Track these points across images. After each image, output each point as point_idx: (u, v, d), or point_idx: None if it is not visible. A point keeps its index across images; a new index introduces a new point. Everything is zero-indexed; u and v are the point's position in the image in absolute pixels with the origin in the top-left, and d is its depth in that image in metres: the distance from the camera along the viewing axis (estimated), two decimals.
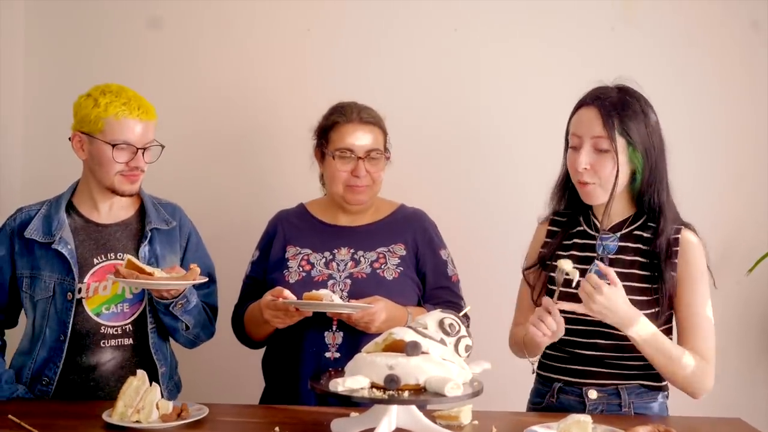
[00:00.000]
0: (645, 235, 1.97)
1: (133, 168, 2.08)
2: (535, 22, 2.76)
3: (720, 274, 2.69)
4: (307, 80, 2.80)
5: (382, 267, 2.17)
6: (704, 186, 2.68)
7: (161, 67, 2.82)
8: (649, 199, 1.95)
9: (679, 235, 1.94)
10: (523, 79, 2.75)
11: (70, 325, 2.06)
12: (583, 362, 1.96)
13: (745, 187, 2.74)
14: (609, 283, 1.81)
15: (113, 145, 2.05)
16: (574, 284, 1.84)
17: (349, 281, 2.14)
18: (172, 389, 2.21)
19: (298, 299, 2.00)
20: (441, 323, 1.75)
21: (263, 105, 2.83)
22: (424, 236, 2.26)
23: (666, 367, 1.88)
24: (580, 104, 1.96)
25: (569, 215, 2.07)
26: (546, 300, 1.86)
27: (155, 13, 2.83)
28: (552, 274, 1.92)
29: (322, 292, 1.98)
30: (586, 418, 1.66)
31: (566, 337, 1.91)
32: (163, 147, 2.14)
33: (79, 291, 2.07)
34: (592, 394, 1.93)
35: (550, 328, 1.82)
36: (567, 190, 2.04)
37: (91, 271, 2.10)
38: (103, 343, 2.09)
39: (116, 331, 2.10)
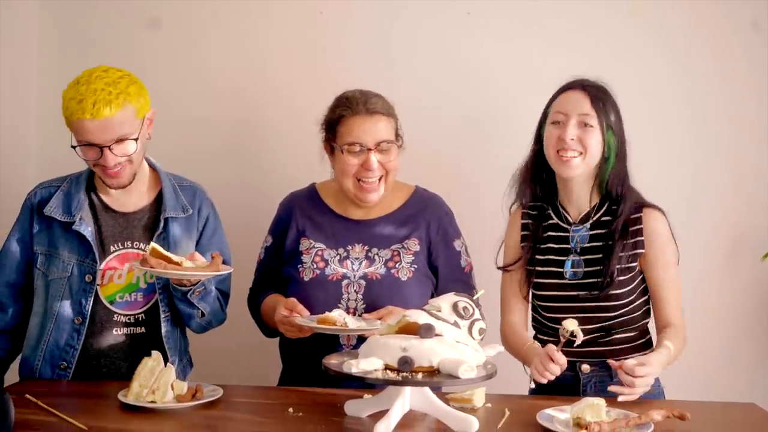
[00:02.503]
0: (612, 219, 2.09)
1: (104, 166, 2.00)
2: (549, 5, 2.74)
3: (734, 260, 2.70)
4: (320, 64, 2.79)
5: (397, 266, 2.17)
6: (716, 175, 2.69)
7: (173, 51, 2.82)
8: (615, 185, 2.09)
9: (641, 213, 2.08)
10: (537, 62, 2.73)
11: (89, 308, 2.06)
12: (581, 345, 1.96)
13: (750, 179, 2.73)
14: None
15: (74, 146, 2.00)
16: (577, 343, 1.88)
17: (363, 282, 2.14)
18: (186, 366, 2.22)
19: (310, 301, 2.03)
20: (455, 306, 1.75)
21: (275, 89, 2.82)
22: (438, 228, 2.25)
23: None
24: (566, 88, 2.12)
25: (538, 207, 2.19)
26: (550, 348, 1.90)
27: None
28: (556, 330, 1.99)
29: (335, 313, 1.97)
30: (599, 402, 1.66)
31: (556, 325, 1.97)
32: (136, 140, 2.01)
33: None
34: (585, 368, 2.05)
35: (554, 373, 1.89)
36: (538, 179, 2.17)
37: (108, 258, 2.09)
38: (116, 330, 2.09)
39: (129, 319, 2.10)
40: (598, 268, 2.05)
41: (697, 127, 2.68)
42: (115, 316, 2.09)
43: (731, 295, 2.72)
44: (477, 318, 1.75)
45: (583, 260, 2.08)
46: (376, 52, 2.78)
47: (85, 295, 2.06)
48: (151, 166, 2.21)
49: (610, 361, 1.93)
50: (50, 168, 2.78)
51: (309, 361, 2.11)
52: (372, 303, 2.10)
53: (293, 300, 2.05)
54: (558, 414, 1.71)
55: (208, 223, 2.22)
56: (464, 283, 2.22)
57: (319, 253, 2.19)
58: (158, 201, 2.16)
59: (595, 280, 2.05)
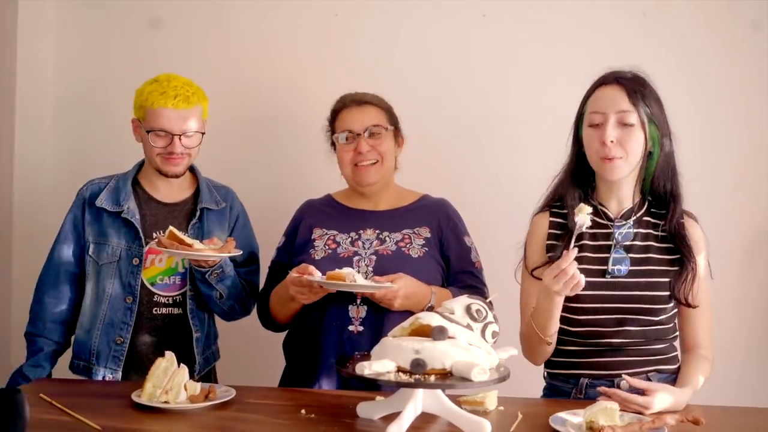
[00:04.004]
0: (653, 220, 2.02)
1: (170, 152, 2.23)
2: (564, 8, 2.74)
3: (750, 263, 2.67)
4: (334, 66, 2.80)
5: (407, 246, 2.19)
6: (716, 174, 2.67)
7: (187, 54, 2.83)
8: (662, 181, 1.99)
9: (683, 220, 2.00)
10: (552, 65, 2.73)
11: (139, 287, 2.22)
12: (612, 353, 1.96)
13: (752, 178, 2.72)
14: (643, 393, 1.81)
15: (148, 131, 2.23)
16: (587, 225, 1.83)
17: (374, 257, 2.16)
18: (209, 357, 2.33)
19: (323, 275, 2.02)
20: (468, 309, 1.74)
21: (290, 91, 2.83)
22: (448, 222, 2.28)
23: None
24: (599, 83, 2.00)
25: (566, 206, 2.05)
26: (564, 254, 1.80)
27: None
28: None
29: (345, 270, 1.99)
30: (613, 405, 1.65)
31: (597, 328, 1.95)
32: (203, 134, 2.28)
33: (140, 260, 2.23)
34: (625, 385, 1.90)
35: (571, 276, 1.78)
36: (582, 181, 2.05)
37: (150, 244, 2.24)
38: (156, 310, 2.26)
39: (168, 300, 2.27)
40: (645, 268, 1.96)
41: (698, 126, 2.66)
42: (156, 296, 2.25)
43: (749, 300, 2.69)
44: (490, 321, 1.75)
45: (629, 258, 1.97)
46: (392, 54, 2.78)
47: (133, 276, 2.23)
48: (190, 167, 2.36)
49: (643, 383, 1.84)
50: (66, 168, 2.82)
51: (313, 356, 2.13)
52: (383, 275, 2.08)
53: (305, 264, 2.07)
54: (571, 417, 1.70)
55: (239, 219, 2.39)
56: (475, 276, 2.24)
57: (332, 237, 2.24)
58: (195, 196, 2.35)
59: (640, 279, 1.96)
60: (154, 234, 2.26)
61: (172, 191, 2.34)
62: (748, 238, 2.70)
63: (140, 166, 2.37)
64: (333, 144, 2.34)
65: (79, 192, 2.33)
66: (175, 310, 2.27)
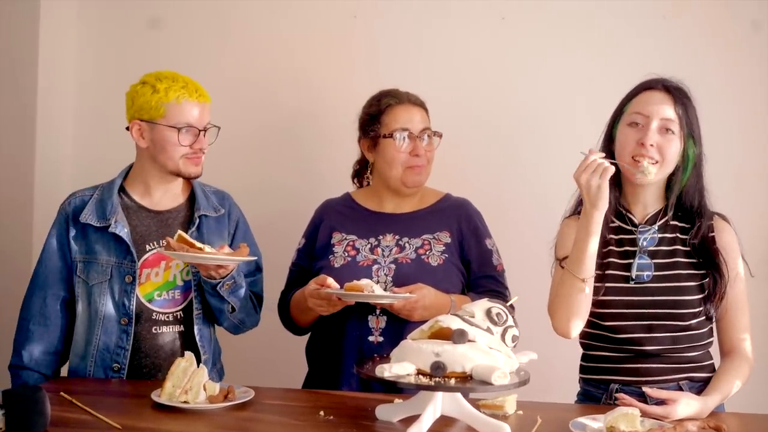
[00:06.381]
0: (680, 224, 2.01)
1: (197, 150, 2.11)
2: (583, 10, 2.72)
3: (758, 265, 2.64)
4: (353, 67, 2.80)
5: (427, 253, 2.17)
6: (715, 175, 2.63)
7: (206, 55, 2.84)
8: (692, 197, 1.99)
9: (711, 221, 1.99)
10: (571, 67, 2.72)
11: (134, 308, 2.08)
12: (643, 359, 1.95)
13: (750, 179, 2.68)
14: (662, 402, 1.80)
15: (178, 129, 2.08)
16: (648, 179, 1.90)
17: (393, 266, 2.15)
18: (214, 377, 2.21)
19: (341, 285, 2.01)
20: (488, 312, 1.74)
21: (309, 92, 2.83)
22: (469, 225, 2.26)
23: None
24: (646, 87, 1.99)
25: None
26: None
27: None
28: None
29: (364, 282, 1.98)
30: (634, 411, 1.64)
31: (628, 335, 1.94)
32: (219, 128, 2.17)
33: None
34: (651, 392, 1.87)
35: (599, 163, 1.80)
36: (617, 182, 2.01)
37: (144, 257, 2.11)
38: (155, 329, 2.11)
39: (167, 317, 2.12)
40: (671, 273, 1.95)
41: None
42: (154, 314, 2.11)
43: (762, 299, 2.66)
44: (510, 325, 1.74)
45: (654, 263, 1.96)
46: (410, 56, 2.78)
47: (127, 295, 2.09)
48: None
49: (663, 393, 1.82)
50: (86, 168, 2.83)
51: (334, 363, 2.13)
52: (402, 285, 2.08)
53: (323, 275, 2.05)
54: (591, 423, 1.69)
55: (239, 226, 2.26)
56: (496, 281, 2.23)
57: (351, 243, 2.21)
58: (190, 201, 2.21)
59: (667, 284, 1.94)
60: (147, 246, 2.11)
61: (165, 198, 2.18)
62: (754, 239, 2.66)
63: (126, 172, 2.21)
64: (371, 140, 2.25)
65: (61, 207, 2.17)
66: (177, 328, 2.13)
